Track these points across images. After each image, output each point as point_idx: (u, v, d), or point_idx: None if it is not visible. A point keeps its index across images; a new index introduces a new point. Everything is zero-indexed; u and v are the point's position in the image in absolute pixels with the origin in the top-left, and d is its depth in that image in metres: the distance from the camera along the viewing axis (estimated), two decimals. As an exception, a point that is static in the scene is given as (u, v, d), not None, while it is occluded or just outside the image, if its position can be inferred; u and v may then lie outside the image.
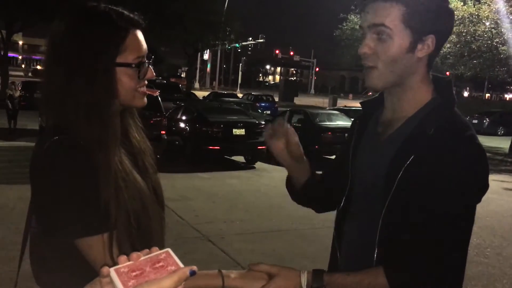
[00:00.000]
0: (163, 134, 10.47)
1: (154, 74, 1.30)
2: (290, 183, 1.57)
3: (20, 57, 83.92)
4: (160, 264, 0.78)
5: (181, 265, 0.78)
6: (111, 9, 1.22)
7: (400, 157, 1.21)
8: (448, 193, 1.14)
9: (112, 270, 0.76)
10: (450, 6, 1.28)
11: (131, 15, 1.24)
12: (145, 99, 1.29)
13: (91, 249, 1.12)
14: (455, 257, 1.19)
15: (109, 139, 1.18)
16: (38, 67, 76.85)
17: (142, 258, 0.79)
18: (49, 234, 1.18)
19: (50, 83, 1.20)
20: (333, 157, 11.61)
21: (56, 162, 1.13)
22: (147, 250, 0.81)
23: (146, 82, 1.28)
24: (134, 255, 0.79)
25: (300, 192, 1.54)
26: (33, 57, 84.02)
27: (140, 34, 1.25)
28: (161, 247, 0.82)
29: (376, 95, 1.42)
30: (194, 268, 0.77)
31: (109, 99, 1.19)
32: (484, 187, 1.20)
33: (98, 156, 1.14)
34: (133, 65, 1.22)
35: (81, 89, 1.16)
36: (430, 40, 1.23)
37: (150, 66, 1.27)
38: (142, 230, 1.21)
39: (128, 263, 0.78)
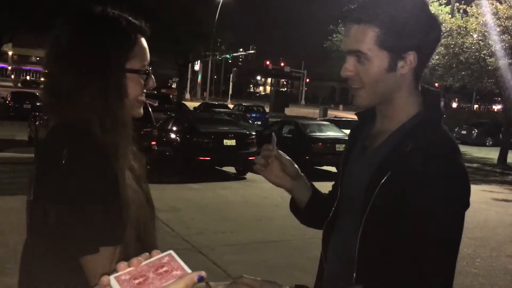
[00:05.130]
0: (154, 144, 10.42)
1: (155, 84, 1.29)
2: (294, 206, 1.55)
3: (9, 68, 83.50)
4: (164, 269, 0.71)
5: (188, 269, 0.72)
6: (120, 15, 1.22)
7: (378, 172, 1.19)
8: (422, 213, 1.11)
9: (112, 278, 0.70)
10: (431, 14, 1.23)
11: (138, 23, 1.24)
12: (142, 109, 1.28)
13: (96, 262, 1.05)
14: (436, 278, 1.14)
15: (122, 144, 1.16)
16: (28, 77, 76.50)
17: (144, 263, 0.72)
18: (61, 244, 1.09)
19: (57, 89, 1.17)
20: (324, 167, 11.67)
21: (78, 170, 1.08)
22: (147, 254, 0.75)
23: (145, 91, 1.27)
24: (135, 260, 0.72)
25: (305, 212, 1.52)
26: (23, 67, 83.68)
27: (145, 42, 1.25)
28: None
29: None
30: (203, 273, 0.71)
31: (121, 104, 1.18)
32: (463, 206, 1.16)
33: (115, 162, 1.12)
34: (141, 72, 1.22)
35: (93, 95, 1.14)
36: (411, 56, 1.19)
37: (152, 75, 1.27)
38: (142, 242, 1.19)
39: (129, 269, 0.71)
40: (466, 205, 1.17)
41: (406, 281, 1.12)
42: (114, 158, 1.12)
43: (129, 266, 0.72)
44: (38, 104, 19.52)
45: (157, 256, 0.74)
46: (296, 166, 1.48)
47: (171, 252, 0.74)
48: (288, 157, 1.47)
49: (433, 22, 1.23)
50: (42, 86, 1.25)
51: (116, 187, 1.10)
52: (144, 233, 1.20)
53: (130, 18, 1.23)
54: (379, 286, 1.15)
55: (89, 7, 1.22)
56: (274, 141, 1.46)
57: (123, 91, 1.18)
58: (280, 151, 1.46)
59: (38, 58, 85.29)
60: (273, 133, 1.52)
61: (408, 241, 1.12)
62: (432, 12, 1.25)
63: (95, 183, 1.08)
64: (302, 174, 1.51)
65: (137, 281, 0.70)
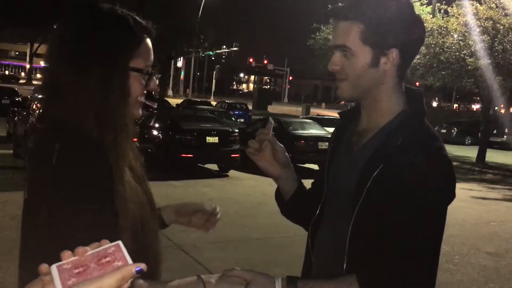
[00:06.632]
0: (135, 141, 10.34)
1: (156, 86, 1.29)
2: (279, 196, 1.56)
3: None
4: (107, 259, 0.70)
5: (129, 260, 0.70)
6: (127, 13, 1.22)
7: (369, 166, 1.23)
8: (415, 203, 1.16)
9: (54, 267, 0.69)
10: (416, 15, 1.29)
11: (145, 23, 1.24)
12: (141, 110, 1.28)
13: None
14: (425, 266, 1.20)
15: (122, 143, 1.15)
16: (6, 72, 75.13)
17: (89, 252, 0.71)
18: (53, 242, 1.03)
19: (58, 82, 1.16)
20: (306, 165, 11.74)
21: (69, 166, 1.05)
22: (97, 243, 0.73)
23: (145, 92, 1.27)
24: (80, 249, 0.71)
25: (289, 203, 1.53)
26: (2, 62, 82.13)
27: (150, 43, 1.25)
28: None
29: (354, 105, 1.44)
30: (142, 265, 0.69)
31: (123, 102, 1.17)
32: (450, 197, 1.23)
33: (112, 160, 1.10)
34: (144, 72, 1.22)
35: (94, 90, 1.13)
36: (394, 54, 1.25)
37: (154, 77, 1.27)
38: (140, 242, 1.17)
39: (72, 258, 0.70)
40: (453, 195, 1.23)
41: (396, 267, 1.16)
42: (112, 156, 1.11)
43: (74, 255, 0.71)
44: (17, 99, 19.17)
45: (104, 246, 0.73)
46: (286, 154, 1.49)
47: (119, 242, 0.73)
48: (281, 144, 1.48)
49: (417, 23, 1.29)
50: (42, 80, 1.24)
51: (110, 184, 1.08)
52: (142, 232, 1.19)
53: (137, 17, 1.24)
54: (370, 275, 1.18)
55: (97, 3, 1.22)
56: (271, 125, 1.44)
57: (126, 89, 1.18)
58: (274, 137, 1.46)
59: (17, 53, 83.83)
60: (270, 117, 1.49)
61: (398, 229, 1.16)
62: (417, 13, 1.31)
63: (87, 179, 1.06)
64: (291, 165, 1.52)
65: (77, 270, 0.69)
